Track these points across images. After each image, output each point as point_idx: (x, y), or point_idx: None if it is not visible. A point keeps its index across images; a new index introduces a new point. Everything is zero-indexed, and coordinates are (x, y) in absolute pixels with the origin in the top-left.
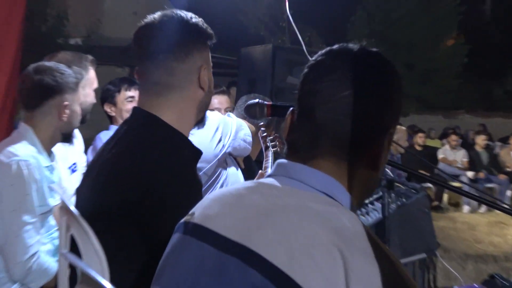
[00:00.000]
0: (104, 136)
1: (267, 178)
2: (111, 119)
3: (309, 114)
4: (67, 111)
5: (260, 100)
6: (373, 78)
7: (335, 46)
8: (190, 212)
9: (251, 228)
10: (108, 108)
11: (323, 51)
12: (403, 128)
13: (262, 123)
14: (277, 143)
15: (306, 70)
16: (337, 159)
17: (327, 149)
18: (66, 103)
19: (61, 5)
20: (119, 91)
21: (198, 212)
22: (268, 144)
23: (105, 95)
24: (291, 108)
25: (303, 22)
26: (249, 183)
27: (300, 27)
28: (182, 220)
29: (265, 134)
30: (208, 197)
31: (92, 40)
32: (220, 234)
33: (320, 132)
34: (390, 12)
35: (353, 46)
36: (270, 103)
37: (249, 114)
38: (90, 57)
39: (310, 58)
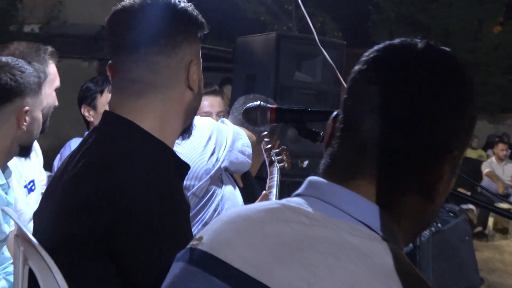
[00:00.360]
0: (76, 145)
1: (293, 199)
2: (88, 125)
3: (354, 123)
4: (27, 118)
5: (261, 103)
6: (441, 84)
7: (396, 41)
8: (197, 236)
9: (272, 263)
10: (86, 112)
11: (380, 45)
12: None
13: (264, 132)
14: (284, 157)
15: (356, 67)
16: (383, 182)
17: (371, 169)
18: (26, 108)
19: None
20: (101, 92)
21: (207, 237)
22: (272, 158)
23: (84, 95)
24: (335, 113)
25: (314, 4)
26: (271, 204)
27: (311, 11)
28: (188, 246)
29: (269, 145)
30: (220, 219)
31: (52, 28)
32: (233, 267)
33: (365, 147)
34: None
35: (418, 42)
36: (275, 106)
37: (248, 119)
38: (50, 48)
39: (322, 49)
